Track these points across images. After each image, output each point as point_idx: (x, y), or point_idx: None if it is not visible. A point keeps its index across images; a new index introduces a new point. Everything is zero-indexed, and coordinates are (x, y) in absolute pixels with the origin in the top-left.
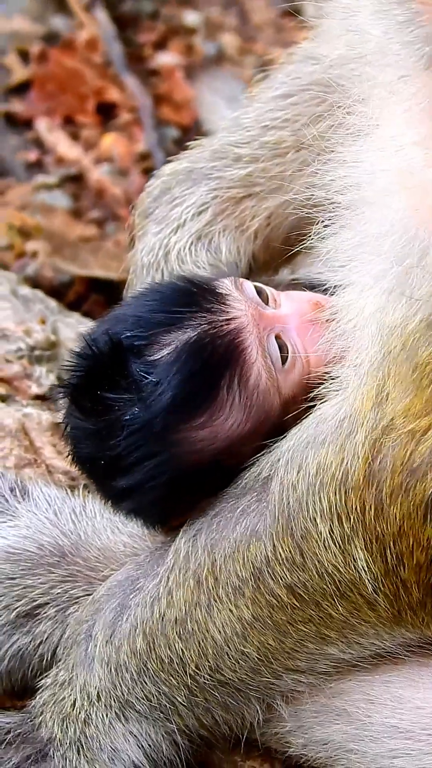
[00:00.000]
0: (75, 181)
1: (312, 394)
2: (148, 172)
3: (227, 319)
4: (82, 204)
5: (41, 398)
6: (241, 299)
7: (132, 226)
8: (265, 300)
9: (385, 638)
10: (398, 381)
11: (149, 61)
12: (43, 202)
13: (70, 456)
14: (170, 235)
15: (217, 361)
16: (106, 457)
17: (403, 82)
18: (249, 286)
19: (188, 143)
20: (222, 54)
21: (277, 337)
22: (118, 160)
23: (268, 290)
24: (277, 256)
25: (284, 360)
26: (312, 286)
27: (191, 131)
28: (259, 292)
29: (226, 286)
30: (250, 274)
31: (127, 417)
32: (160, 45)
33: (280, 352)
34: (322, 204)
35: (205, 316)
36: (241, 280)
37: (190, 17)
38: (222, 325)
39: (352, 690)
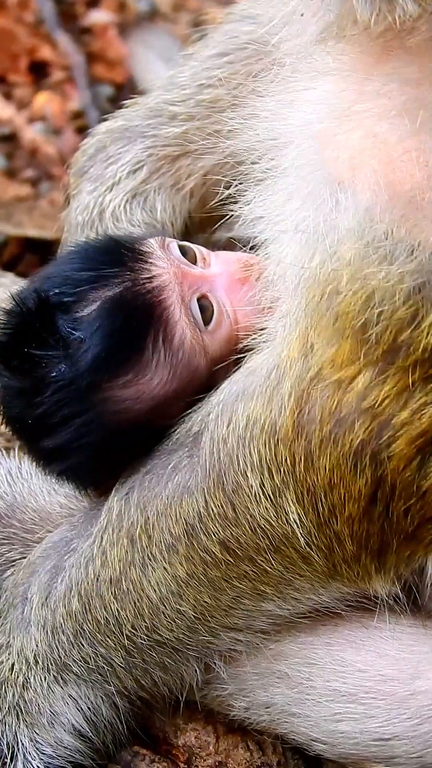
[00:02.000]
0: (8, 140)
1: (242, 347)
2: (82, 131)
3: (149, 277)
4: (16, 164)
5: None
6: (164, 257)
7: (67, 184)
8: (192, 260)
9: (321, 593)
10: (321, 331)
11: (82, 18)
12: None
13: (1, 415)
14: (105, 194)
15: (139, 319)
16: (34, 416)
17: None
18: (174, 246)
19: (123, 101)
20: (155, 11)
21: (203, 297)
22: (51, 119)
23: (197, 249)
24: (213, 215)
25: (209, 320)
26: (245, 245)
27: (125, 89)
28: (186, 252)
29: (150, 245)
30: (186, 233)
31: (54, 374)
32: (93, 2)
33: (205, 312)
34: (249, 156)
35: (128, 275)
36: (168, 239)
37: None
38: (144, 283)
39: (292, 653)
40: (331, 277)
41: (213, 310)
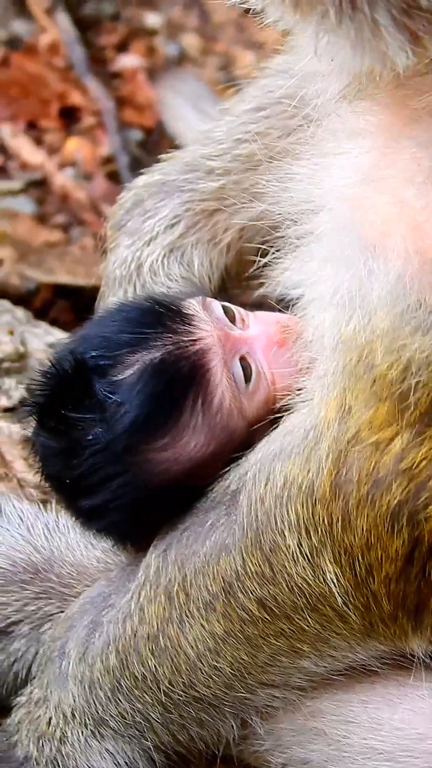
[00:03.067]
0: (39, 186)
1: (280, 406)
2: (112, 176)
3: (192, 340)
4: (47, 209)
5: (11, 411)
6: (207, 320)
7: (104, 237)
8: (232, 319)
9: (358, 650)
10: (358, 393)
11: (111, 63)
12: (7, 208)
13: (39, 472)
14: (143, 248)
15: (180, 382)
16: (71, 476)
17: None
18: (217, 306)
19: (152, 146)
20: (184, 55)
21: (243, 359)
22: (82, 164)
23: (236, 310)
24: (249, 269)
25: (248, 381)
26: (281, 302)
27: (155, 133)
28: (226, 311)
29: (192, 306)
30: (223, 287)
31: (90, 437)
32: (122, 47)
33: (244, 373)
34: (286, 219)
35: (170, 337)
36: (209, 299)
37: (151, 18)
38: (187, 346)
39: (329, 710)
40: (366, 344)
41: (252, 372)
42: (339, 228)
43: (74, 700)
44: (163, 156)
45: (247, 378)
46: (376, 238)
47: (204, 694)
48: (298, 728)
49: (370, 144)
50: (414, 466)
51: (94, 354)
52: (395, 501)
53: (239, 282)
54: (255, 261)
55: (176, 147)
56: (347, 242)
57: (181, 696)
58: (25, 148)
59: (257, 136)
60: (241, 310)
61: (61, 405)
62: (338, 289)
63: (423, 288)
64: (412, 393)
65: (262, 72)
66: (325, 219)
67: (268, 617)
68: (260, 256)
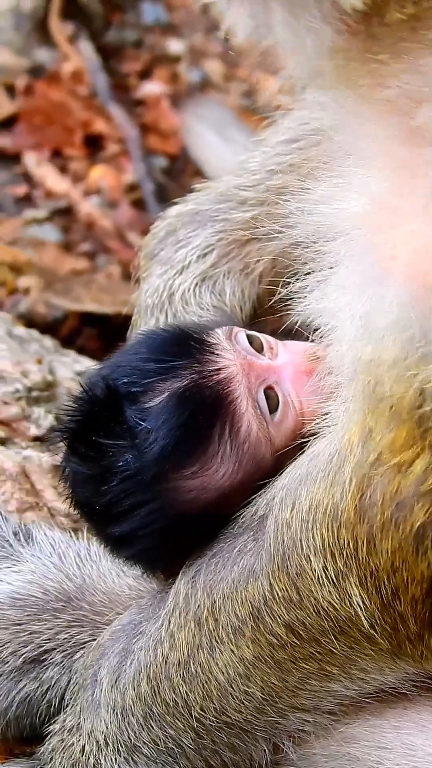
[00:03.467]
0: (64, 214)
1: (306, 431)
2: (137, 203)
3: (216, 370)
4: (73, 237)
5: (40, 440)
6: (230, 350)
7: (137, 267)
8: (259, 349)
9: (387, 673)
10: (378, 417)
11: (135, 90)
12: (33, 236)
13: (68, 500)
14: (175, 277)
15: (205, 411)
16: (101, 503)
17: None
18: (242, 336)
19: (177, 172)
20: (207, 81)
21: (270, 388)
22: (107, 192)
23: (264, 339)
24: (281, 300)
25: (274, 410)
26: (311, 329)
27: (179, 160)
28: (252, 341)
29: (217, 336)
30: (255, 316)
31: (121, 463)
32: (145, 74)
33: (270, 402)
34: (307, 246)
35: (195, 366)
36: (236, 329)
37: (174, 45)
38: (211, 375)
39: (362, 736)
40: (380, 371)
41: (279, 401)
42: (355, 254)
43: (107, 727)
44: (196, 186)
45: (273, 407)
46: (386, 263)
47: (236, 719)
48: (331, 753)
49: (383, 169)
50: None
51: (125, 381)
52: (418, 523)
53: (271, 311)
54: (286, 290)
55: (201, 173)
56: (361, 269)
57: (213, 721)
58: (49, 177)
59: (291, 168)
60: (270, 339)
61: (92, 431)
62: (354, 316)
63: (425, 316)
64: (428, 417)
65: (298, 104)
66: (343, 245)
67: (296, 641)
68: (290, 285)
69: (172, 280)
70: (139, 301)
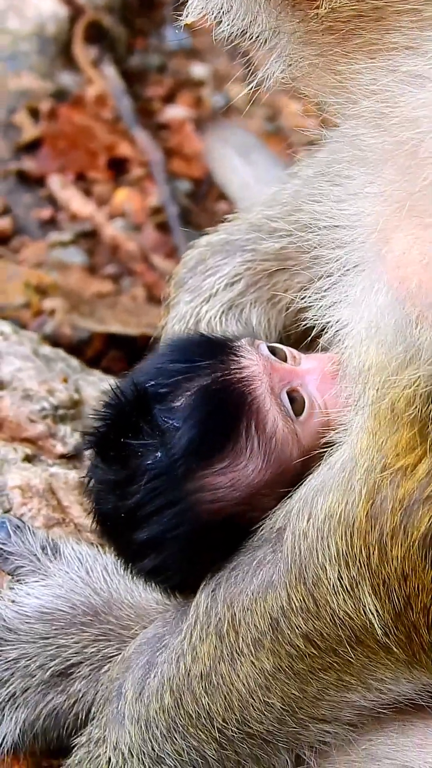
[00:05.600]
0: (89, 237)
1: (327, 441)
2: (161, 227)
3: (239, 368)
4: (97, 260)
5: (67, 457)
6: (253, 352)
7: (167, 295)
8: (283, 358)
9: (404, 683)
10: (382, 421)
11: (158, 114)
12: (58, 259)
13: (91, 514)
14: (202, 304)
15: (230, 406)
16: (127, 507)
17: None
18: (263, 346)
19: (201, 196)
20: (230, 105)
21: (294, 390)
22: (131, 215)
23: (287, 350)
24: (306, 330)
25: (300, 411)
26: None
27: (203, 184)
28: (275, 351)
29: (240, 342)
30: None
31: (149, 461)
32: (169, 98)
33: (295, 404)
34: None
35: (220, 365)
36: (258, 340)
37: (198, 69)
38: (234, 373)
39: (385, 754)
40: (382, 375)
41: (304, 403)
42: (361, 263)
43: (131, 739)
44: (228, 216)
45: (299, 408)
46: (390, 271)
47: (257, 730)
48: None
49: (389, 175)
50: None
51: (152, 382)
52: (424, 528)
53: (297, 342)
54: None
55: (224, 197)
56: (367, 278)
57: (235, 733)
58: (74, 200)
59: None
60: (293, 350)
61: (122, 434)
62: (360, 322)
63: (414, 321)
64: (424, 416)
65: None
66: (352, 254)
67: (314, 652)
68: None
69: (199, 308)
70: (166, 328)
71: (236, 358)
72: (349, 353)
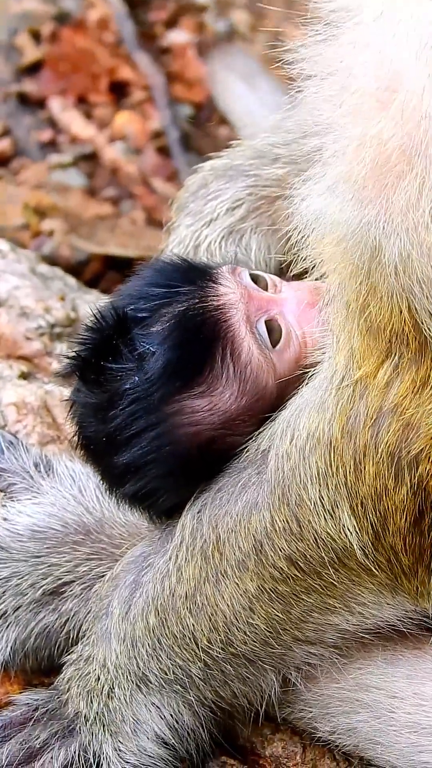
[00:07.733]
0: (89, 159)
1: (308, 362)
2: (162, 150)
3: (215, 296)
4: (97, 182)
5: (59, 376)
6: (232, 280)
7: (168, 219)
8: (264, 287)
9: (386, 608)
10: (350, 328)
11: (161, 39)
12: (58, 181)
13: (75, 439)
14: (202, 229)
15: (206, 332)
16: (108, 430)
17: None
18: (245, 274)
19: (202, 120)
20: (233, 31)
21: (272, 319)
22: (132, 139)
23: (269, 278)
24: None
25: (277, 341)
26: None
27: (204, 108)
28: (257, 280)
29: (220, 269)
30: (280, 273)
31: (128, 385)
32: (172, 23)
33: (273, 334)
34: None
35: (196, 291)
36: (240, 268)
37: None
38: (211, 300)
39: (374, 684)
40: (345, 276)
41: (281, 332)
42: (333, 156)
43: (117, 658)
44: (233, 142)
45: (275, 338)
46: (356, 164)
47: (242, 651)
48: (344, 698)
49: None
50: (399, 403)
51: (132, 307)
52: (391, 442)
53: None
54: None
55: (226, 122)
56: (341, 170)
57: (220, 653)
58: (75, 122)
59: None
60: (276, 278)
61: (102, 357)
62: (330, 219)
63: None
64: (375, 318)
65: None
66: (329, 145)
67: (297, 574)
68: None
69: (199, 232)
70: (165, 251)
71: (215, 286)
72: (318, 259)
